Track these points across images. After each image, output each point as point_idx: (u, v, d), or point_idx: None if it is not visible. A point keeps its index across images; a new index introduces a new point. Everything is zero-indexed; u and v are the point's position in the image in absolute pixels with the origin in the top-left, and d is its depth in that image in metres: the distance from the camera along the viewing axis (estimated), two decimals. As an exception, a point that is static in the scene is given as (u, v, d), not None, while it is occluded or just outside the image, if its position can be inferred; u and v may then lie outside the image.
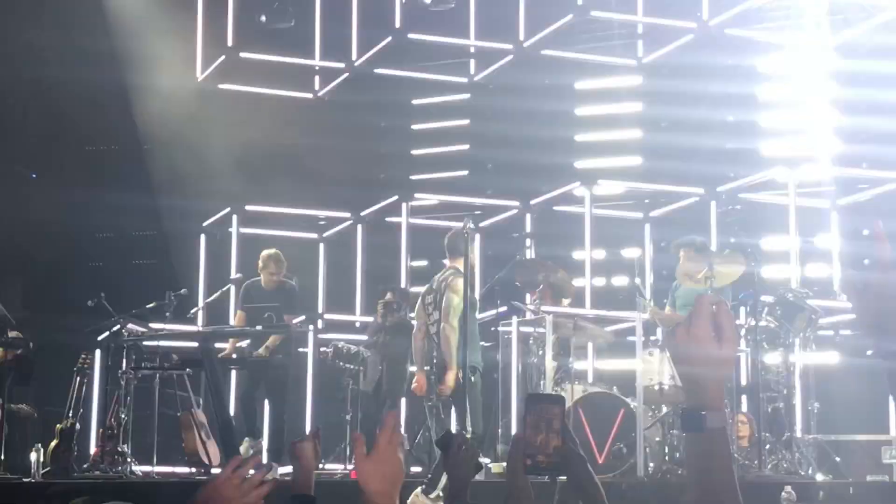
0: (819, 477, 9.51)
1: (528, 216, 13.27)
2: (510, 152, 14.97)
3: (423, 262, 13.65)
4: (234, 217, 13.20)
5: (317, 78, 14.89)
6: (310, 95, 14.93)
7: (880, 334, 2.31)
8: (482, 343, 10.73)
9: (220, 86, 14.39)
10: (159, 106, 13.93)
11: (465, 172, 15.82)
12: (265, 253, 11.53)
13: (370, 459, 2.57)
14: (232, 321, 11.84)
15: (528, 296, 11.31)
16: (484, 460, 9.52)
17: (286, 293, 11.43)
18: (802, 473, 9.32)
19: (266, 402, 11.69)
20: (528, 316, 10.72)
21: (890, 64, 13.50)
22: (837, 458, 10.06)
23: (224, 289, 12.05)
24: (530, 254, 12.23)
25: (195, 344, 10.52)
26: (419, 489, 7.28)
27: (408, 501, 6.07)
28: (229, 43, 13.97)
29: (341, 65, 14.40)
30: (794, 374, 10.24)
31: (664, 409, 9.87)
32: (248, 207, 13.28)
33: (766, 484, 8.12)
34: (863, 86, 13.88)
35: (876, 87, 13.66)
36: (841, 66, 14.21)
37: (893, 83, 13.55)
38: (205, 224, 13.57)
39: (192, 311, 11.60)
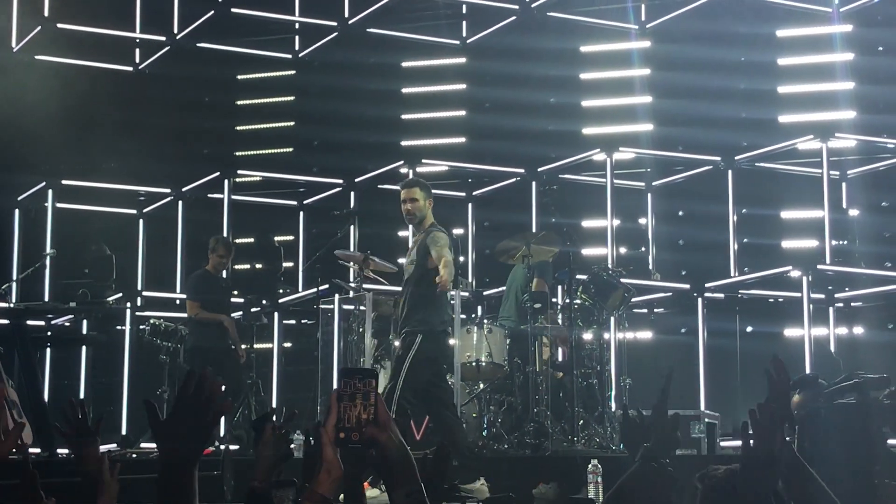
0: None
1: (353, 194, 13.27)
2: (336, 130, 14.96)
3: (249, 239, 13.53)
4: (50, 192, 12.86)
5: (137, 51, 14.61)
6: (130, 69, 14.64)
7: None
8: (305, 322, 10.73)
9: (37, 57, 14.01)
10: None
11: (290, 149, 15.74)
12: (215, 238, 11.26)
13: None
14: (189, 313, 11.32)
15: (350, 273, 11.33)
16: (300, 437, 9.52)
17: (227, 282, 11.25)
18: (614, 448, 9.55)
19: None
20: (350, 294, 10.76)
21: (703, 49, 13.92)
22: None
23: (38, 265, 11.75)
24: (354, 231, 12.27)
25: (6, 321, 10.24)
26: None
27: None
28: (46, 13, 13.61)
29: (162, 38, 14.16)
30: (608, 351, 10.49)
31: (481, 386, 10.01)
32: (64, 182, 12.95)
33: (575, 457, 8.29)
34: (679, 70, 14.28)
35: (692, 71, 14.08)
36: (657, 51, 14.59)
37: (707, 68, 13.98)
38: (19, 198, 13.20)
39: (4, 286, 11.28)
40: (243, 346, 10.89)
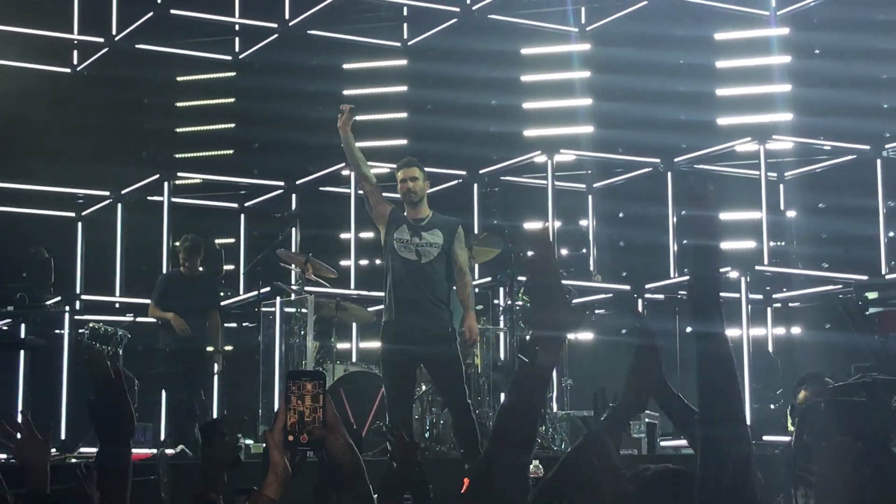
0: (571, 451, 9.78)
1: (294, 196, 13.22)
2: (277, 132, 14.91)
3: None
4: (-14, 194, 12.72)
5: (75, 52, 14.46)
6: (68, 70, 14.49)
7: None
8: (246, 325, 10.68)
9: (-27, 58, 13.85)
10: None
11: (231, 151, 15.67)
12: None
13: None
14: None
15: (292, 275, 11.30)
16: (247, 441, 9.50)
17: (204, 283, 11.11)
18: (555, 448, 9.60)
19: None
20: (291, 297, 10.73)
21: (641, 51, 14.03)
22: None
23: (-27, 267, 11.62)
24: (295, 234, 12.24)
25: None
26: None
27: None
28: (-19, 13, 13.45)
29: (100, 39, 14.02)
30: (550, 352, 10.51)
31: (423, 388, 10.01)
32: (1, 185, 12.79)
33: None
34: (619, 73, 14.39)
35: (631, 74, 14.18)
36: (597, 54, 14.68)
37: (647, 71, 14.09)
38: (-46, 201, 13.05)
39: (-60, 291, 11.12)
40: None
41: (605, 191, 13.52)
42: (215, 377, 11.14)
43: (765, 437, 9.33)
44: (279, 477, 2.74)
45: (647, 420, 9.60)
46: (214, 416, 10.86)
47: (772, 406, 11.02)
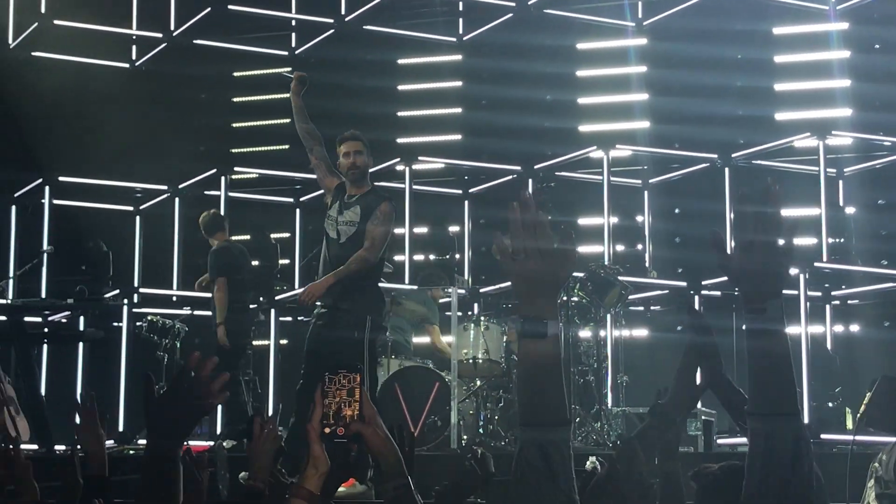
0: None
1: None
2: (331, 127, 14.89)
3: (245, 237, 13.54)
4: (47, 188, 12.85)
5: (134, 47, 14.60)
6: (127, 65, 14.63)
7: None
8: (301, 318, 10.70)
9: (34, 54, 14.00)
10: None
11: (287, 147, 15.73)
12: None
13: None
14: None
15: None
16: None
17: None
18: (611, 445, 9.56)
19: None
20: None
21: (699, 46, 13.94)
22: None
23: (35, 261, 11.76)
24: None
25: (3, 317, 10.24)
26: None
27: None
28: (43, 10, 13.60)
29: (159, 35, 14.15)
30: (605, 349, 10.50)
31: (478, 383, 10.02)
32: (61, 179, 12.94)
33: (575, 454, 8.29)
34: (675, 67, 14.30)
35: (688, 68, 14.09)
36: (653, 47, 14.60)
37: (704, 65, 14.00)
38: (16, 195, 13.20)
39: (1, 283, 11.28)
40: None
41: (662, 186, 13.43)
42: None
43: (823, 436, 9.24)
44: (319, 470, 2.76)
45: (703, 417, 9.55)
46: (270, 409, 10.92)
47: (830, 404, 10.92)
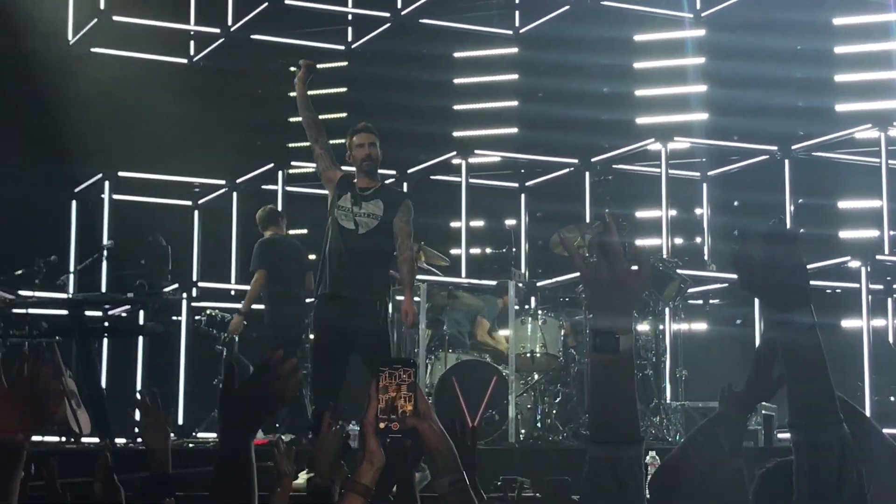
0: (686, 442, 9.67)
1: (405, 185, 13.27)
2: (388, 121, 14.90)
3: (303, 231, 13.59)
4: (107, 183, 12.98)
5: (192, 43, 14.70)
6: (185, 61, 14.74)
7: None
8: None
9: (93, 49, 14.14)
10: (30, 70, 13.62)
11: (342, 140, 15.74)
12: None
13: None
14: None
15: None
16: (357, 429, 9.55)
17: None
18: (670, 439, 9.51)
19: None
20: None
21: (757, 37, 13.79)
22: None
23: (95, 256, 11.87)
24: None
25: (65, 311, 10.34)
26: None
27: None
28: (101, 6, 13.73)
29: (217, 30, 14.24)
30: (664, 342, 10.43)
31: (536, 377, 9.99)
32: (121, 174, 13.07)
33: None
34: (734, 58, 14.16)
35: (747, 60, 13.96)
36: (710, 39, 14.47)
37: (763, 56, 13.85)
38: (76, 190, 13.34)
39: (62, 277, 11.39)
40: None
41: (720, 179, 13.33)
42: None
43: (884, 430, 9.12)
44: (374, 464, 2.75)
45: (763, 412, 9.46)
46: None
47: (892, 398, 10.79)
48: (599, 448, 2.31)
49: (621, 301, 2.32)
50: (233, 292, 12.58)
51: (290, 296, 10.49)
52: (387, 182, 8.37)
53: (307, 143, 8.42)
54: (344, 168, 8.39)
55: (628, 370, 2.32)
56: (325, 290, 7.92)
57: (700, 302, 12.32)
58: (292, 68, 8.36)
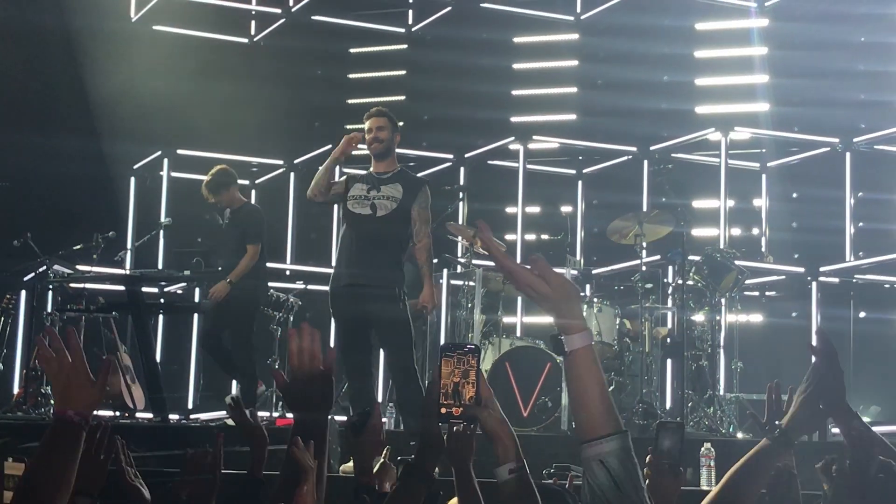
0: (740, 435, 9.63)
1: (462, 170, 13.26)
2: (446, 105, 14.92)
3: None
4: (165, 161, 13.06)
5: (253, 23, 14.75)
6: (245, 40, 14.79)
7: None
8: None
9: (155, 27, 14.22)
10: (92, 47, 13.71)
11: (401, 124, 15.71)
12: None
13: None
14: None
15: (458, 248, 11.33)
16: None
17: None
18: (724, 431, 9.44)
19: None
20: (459, 269, 10.75)
21: (822, 28, 13.62)
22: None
23: (153, 233, 11.94)
24: (463, 207, 12.24)
25: (122, 287, 10.42)
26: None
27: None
28: (164, -16, 13.83)
29: (277, 10, 14.28)
30: (719, 333, 10.35)
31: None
32: (179, 151, 13.14)
33: (687, 440, 8.20)
34: (795, 49, 14.00)
35: (810, 50, 13.78)
36: (774, 29, 14.31)
37: (824, 47, 13.68)
38: (135, 167, 13.43)
39: (120, 253, 11.47)
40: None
41: (780, 170, 13.20)
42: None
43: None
44: (435, 449, 2.73)
45: (819, 406, 9.36)
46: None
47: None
48: (585, 447, 2.37)
49: (556, 304, 2.41)
50: (288, 272, 12.62)
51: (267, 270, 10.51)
52: (404, 168, 8.27)
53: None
54: (346, 171, 8.41)
55: (588, 367, 2.38)
56: (342, 280, 7.84)
57: (756, 294, 12.20)
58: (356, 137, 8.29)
